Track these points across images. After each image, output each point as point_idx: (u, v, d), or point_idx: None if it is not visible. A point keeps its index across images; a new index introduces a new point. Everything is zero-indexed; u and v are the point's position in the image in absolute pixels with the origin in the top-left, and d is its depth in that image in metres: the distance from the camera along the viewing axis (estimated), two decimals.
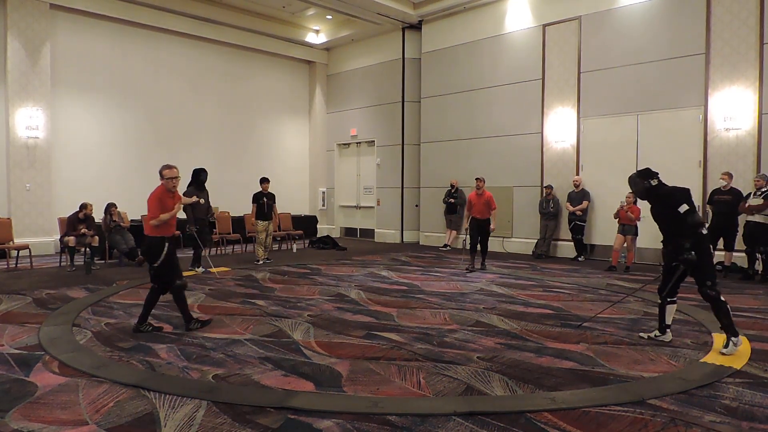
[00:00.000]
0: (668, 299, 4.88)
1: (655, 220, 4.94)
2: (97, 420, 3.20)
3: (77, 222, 9.18)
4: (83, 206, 9.31)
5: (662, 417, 3.25)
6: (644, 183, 4.83)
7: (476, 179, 9.37)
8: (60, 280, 8.07)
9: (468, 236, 9.34)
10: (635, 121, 10.26)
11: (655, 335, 4.97)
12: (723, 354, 4.41)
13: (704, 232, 4.63)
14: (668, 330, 4.94)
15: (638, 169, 5.00)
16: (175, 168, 5.36)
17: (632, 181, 4.95)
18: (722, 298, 4.51)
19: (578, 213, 10.58)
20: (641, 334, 5.09)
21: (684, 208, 4.57)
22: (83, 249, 9.27)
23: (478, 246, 9.31)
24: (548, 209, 11.09)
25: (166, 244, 5.19)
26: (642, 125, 10.18)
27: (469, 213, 9.28)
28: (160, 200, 5.22)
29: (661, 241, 4.92)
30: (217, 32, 13.75)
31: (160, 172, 5.32)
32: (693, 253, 4.53)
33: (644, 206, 9.46)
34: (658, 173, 4.89)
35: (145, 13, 12.41)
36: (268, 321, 5.68)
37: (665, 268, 4.89)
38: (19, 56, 10.69)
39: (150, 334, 5.11)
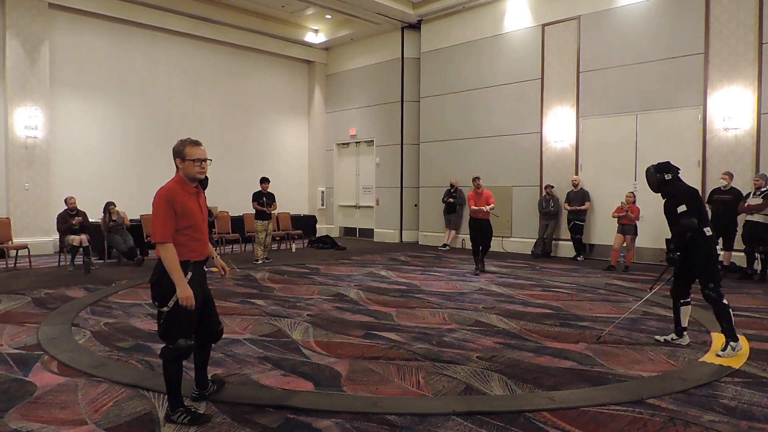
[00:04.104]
0: (681, 301, 4.75)
1: (665, 216, 4.81)
2: (96, 420, 3.20)
3: (68, 216, 9.11)
4: (65, 201, 9.27)
5: (661, 416, 3.26)
6: (658, 176, 4.71)
7: (474, 178, 9.20)
8: (59, 279, 8.06)
9: (470, 238, 9.23)
10: (634, 120, 10.26)
11: (672, 338, 4.82)
12: (719, 356, 4.36)
13: (708, 233, 4.50)
14: (685, 333, 4.79)
15: (658, 163, 4.80)
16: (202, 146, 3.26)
17: (648, 172, 4.81)
18: (725, 302, 4.43)
19: (581, 209, 10.54)
20: (657, 338, 4.92)
21: (682, 208, 4.49)
22: (81, 247, 9.23)
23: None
24: (548, 209, 11.10)
25: (189, 273, 3.11)
26: (641, 125, 10.18)
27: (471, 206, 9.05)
28: (170, 203, 3.05)
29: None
30: (216, 32, 13.74)
31: (179, 151, 3.18)
32: (678, 254, 4.52)
33: (643, 206, 9.53)
34: (678, 169, 4.75)
35: (144, 12, 12.40)
36: (267, 321, 5.67)
37: (676, 270, 4.73)
38: (17, 55, 10.67)
39: (149, 334, 5.08)
